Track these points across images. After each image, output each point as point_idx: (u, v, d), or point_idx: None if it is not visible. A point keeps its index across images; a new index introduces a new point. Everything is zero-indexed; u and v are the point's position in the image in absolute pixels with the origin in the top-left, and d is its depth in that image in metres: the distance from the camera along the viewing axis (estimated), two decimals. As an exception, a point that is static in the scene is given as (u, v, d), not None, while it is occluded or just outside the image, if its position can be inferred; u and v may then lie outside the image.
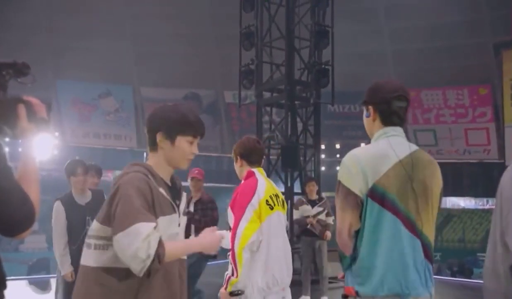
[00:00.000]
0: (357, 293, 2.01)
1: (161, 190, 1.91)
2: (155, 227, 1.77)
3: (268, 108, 10.70)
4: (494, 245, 1.97)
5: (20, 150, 1.47)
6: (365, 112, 2.18)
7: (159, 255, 1.76)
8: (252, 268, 2.83)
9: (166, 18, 21.72)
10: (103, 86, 24.25)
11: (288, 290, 3.01)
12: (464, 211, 22.95)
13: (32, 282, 9.47)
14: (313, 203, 6.81)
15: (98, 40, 21.47)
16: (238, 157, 3.10)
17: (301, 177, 9.94)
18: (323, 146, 13.74)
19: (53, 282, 7.53)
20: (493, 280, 1.95)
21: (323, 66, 9.98)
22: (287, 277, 2.96)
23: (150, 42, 22.22)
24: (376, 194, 1.97)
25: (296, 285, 3.10)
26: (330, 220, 6.81)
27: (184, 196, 2.09)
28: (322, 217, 6.75)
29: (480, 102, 20.91)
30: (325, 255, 6.80)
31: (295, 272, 3.34)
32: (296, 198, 8.81)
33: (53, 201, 4.26)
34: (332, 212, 6.71)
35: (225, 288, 2.82)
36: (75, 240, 4.14)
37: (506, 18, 19.01)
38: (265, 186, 2.93)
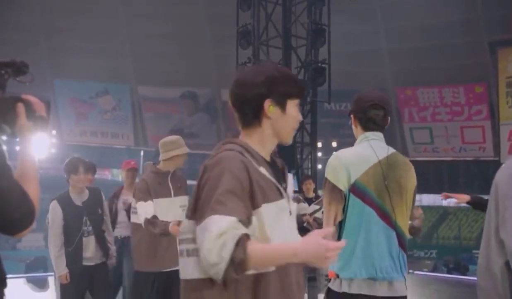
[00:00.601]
0: (337, 275, 2.30)
1: (263, 171, 1.53)
2: (239, 221, 1.38)
3: (265, 107, 10.73)
4: (487, 243, 1.99)
5: (18, 148, 1.47)
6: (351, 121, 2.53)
7: (236, 261, 1.34)
8: None
9: (163, 17, 21.71)
10: (100, 85, 24.21)
11: None
12: (460, 209, 23.05)
13: (29, 280, 9.48)
14: (309, 201, 6.84)
15: (95, 39, 21.44)
16: None
17: (298, 175, 9.98)
18: (319, 145, 13.76)
19: (50, 280, 7.55)
20: (487, 278, 2.01)
21: (319, 64, 10.02)
22: None
23: (147, 41, 22.19)
24: (357, 190, 2.27)
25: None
26: (326, 218, 6.84)
27: (290, 177, 1.76)
28: (318, 215, 6.77)
29: (476, 100, 20.98)
30: (322, 253, 6.82)
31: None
32: (293, 195, 8.84)
33: (50, 201, 4.23)
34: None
35: None
36: (72, 241, 4.11)
37: (502, 16, 19.07)
38: None
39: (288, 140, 1.68)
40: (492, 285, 1.91)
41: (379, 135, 2.42)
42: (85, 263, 4.20)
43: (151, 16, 21.84)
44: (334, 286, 2.32)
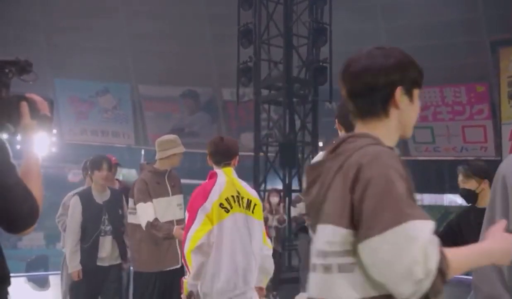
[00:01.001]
0: None
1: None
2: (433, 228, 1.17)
3: (266, 106, 10.72)
4: None
5: (20, 147, 1.47)
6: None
7: (443, 271, 1.17)
8: (203, 272, 2.79)
9: (163, 16, 21.69)
10: (100, 84, 24.19)
11: (252, 294, 2.89)
12: (461, 208, 23.03)
13: (30, 279, 9.47)
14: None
15: (95, 38, 21.43)
16: (208, 157, 3.11)
17: (299, 174, 9.96)
18: (321, 144, 13.75)
19: (51, 279, 7.53)
20: (486, 281, 1.91)
21: (321, 63, 10.01)
22: (243, 283, 2.81)
23: (147, 40, 22.18)
24: None
25: (294, 282, 3.07)
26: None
27: None
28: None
29: (477, 99, 20.95)
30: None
31: (293, 269, 3.35)
32: (294, 195, 8.82)
33: (71, 196, 4.17)
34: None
35: (182, 292, 2.84)
36: (88, 239, 4.05)
37: (503, 16, 19.03)
38: (224, 187, 2.86)
39: (410, 134, 1.52)
40: (492, 288, 1.83)
41: None
42: (99, 263, 4.15)
43: (151, 15, 21.82)
44: None
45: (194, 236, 2.73)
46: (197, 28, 22.30)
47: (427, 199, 21.97)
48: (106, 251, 4.15)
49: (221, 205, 2.80)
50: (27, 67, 1.42)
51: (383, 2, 20.98)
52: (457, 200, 25.36)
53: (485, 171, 3.18)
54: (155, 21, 21.72)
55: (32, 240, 17.67)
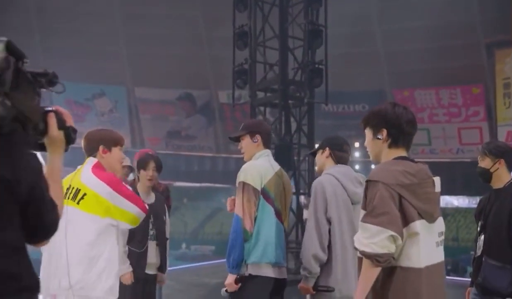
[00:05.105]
0: (245, 261, 2.88)
1: None
2: None
3: (262, 108, 10.69)
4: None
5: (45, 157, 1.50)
6: (249, 139, 3.08)
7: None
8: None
9: (159, 18, 21.68)
10: (97, 87, 24.18)
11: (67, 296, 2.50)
12: (458, 210, 23.08)
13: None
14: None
15: (91, 41, 21.40)
16: None
17: (295, 176, 9.94)
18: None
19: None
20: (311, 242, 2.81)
21: (316, 65, 9.98)
22: (58, 286, 2.48)
23: (143, 42, 22.16)
24: (265, 193, 2.93)
25: (292, 285, 3.05)
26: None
27: None
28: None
29: (473, 101, 21.02)
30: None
31: (289, 272, 3.32)
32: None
33: None
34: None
35: None
36: (140, 243, 3.72)
37: (498, 18, 19.10)
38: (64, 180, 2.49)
39: None
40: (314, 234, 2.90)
41: (269, 152, 3.14)
42: (147, 270, 3.80)
43: (147, 17, 21.82)
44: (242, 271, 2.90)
45: None
46: (193, 31, 22.31)
47: (424, 200, 21.98)
48: (151, 257, 3.79)
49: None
50: (53, 78, 1.46)
51: (379, 5, 21.04)
52: (453, 201, 25.40)
53: (502, 150, 3.13)
54: (151, 24, 21.72)
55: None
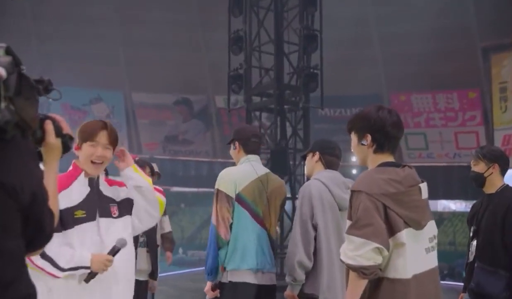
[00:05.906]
0: (225, 268, 2.86)
1: None
2: None
3: (257, 113, 10.68)
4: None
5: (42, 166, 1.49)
6: (232, 146, 3.11)
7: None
8: None
9: (156, 23, 21.69)
10: (94, 91, 24.15)
11: None
12: (455, 214, 23.06)
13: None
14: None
15: (88, 45, 21.39)
16: None
17: (291, 181, 9.93)
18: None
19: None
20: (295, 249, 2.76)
21: (312, 70, 9.98)
22: None
23: (140, 47, 22.16)
24: (240, 199, 2.91)
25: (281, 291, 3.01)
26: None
27: None
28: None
29: (470, 106, 21.04)
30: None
31: (280, 277, 3.28)
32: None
33: None
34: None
35: None
36: (152, 245, 3.79)
37: (495, 22, 19.14)
38: None
39: None
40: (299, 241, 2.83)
41: (257, 157, 3.11)
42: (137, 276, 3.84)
43: (144, 22, 21.82)
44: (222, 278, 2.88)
45: None
46: (190, 35, 22.30)
47: (421, 205, 21.95)
48: (140, 264, 3.75)
49: None
50: (49, 86, 1.45)
51: (375, 9, 21.08)
52: (450, 205, 25.39)
53: (495, 155, 3.12)
54: (148, 29, 21.71)
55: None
